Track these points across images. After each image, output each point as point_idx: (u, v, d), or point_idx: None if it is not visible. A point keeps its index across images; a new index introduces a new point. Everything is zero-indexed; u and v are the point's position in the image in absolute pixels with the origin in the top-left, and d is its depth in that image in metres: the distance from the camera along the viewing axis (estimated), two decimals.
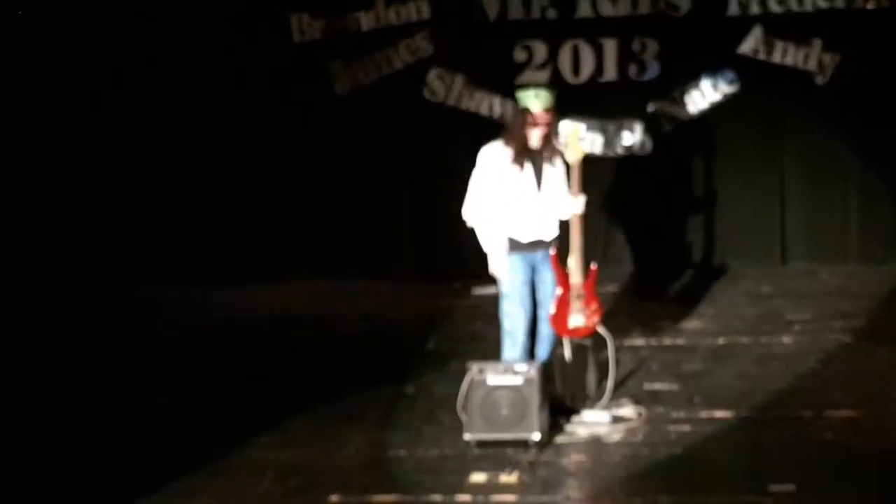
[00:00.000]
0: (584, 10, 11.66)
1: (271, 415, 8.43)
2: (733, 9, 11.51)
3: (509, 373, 7.76)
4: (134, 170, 12.36)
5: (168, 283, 12.08)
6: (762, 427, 8.08)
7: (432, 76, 11.94)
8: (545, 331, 8.04)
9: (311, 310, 11.52)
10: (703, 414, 8.36)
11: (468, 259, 9.89)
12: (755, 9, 11.50)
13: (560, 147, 7.89)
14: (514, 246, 7.78)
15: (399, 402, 8.69)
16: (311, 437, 8.16)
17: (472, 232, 8.29)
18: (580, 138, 7.94)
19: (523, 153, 7.62)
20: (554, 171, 7.67)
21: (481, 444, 7.68)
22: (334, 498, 7.10)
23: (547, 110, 7.68)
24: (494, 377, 7.73)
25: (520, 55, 11.77)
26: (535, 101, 7.71)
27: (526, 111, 7.68)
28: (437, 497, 7.12)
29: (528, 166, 7.68)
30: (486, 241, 7.92)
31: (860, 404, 8.32)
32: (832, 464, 7.43)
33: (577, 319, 7.89)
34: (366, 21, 11.98)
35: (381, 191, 12.11)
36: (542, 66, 11.76)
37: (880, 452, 7.55)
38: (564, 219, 7.85)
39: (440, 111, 11.97)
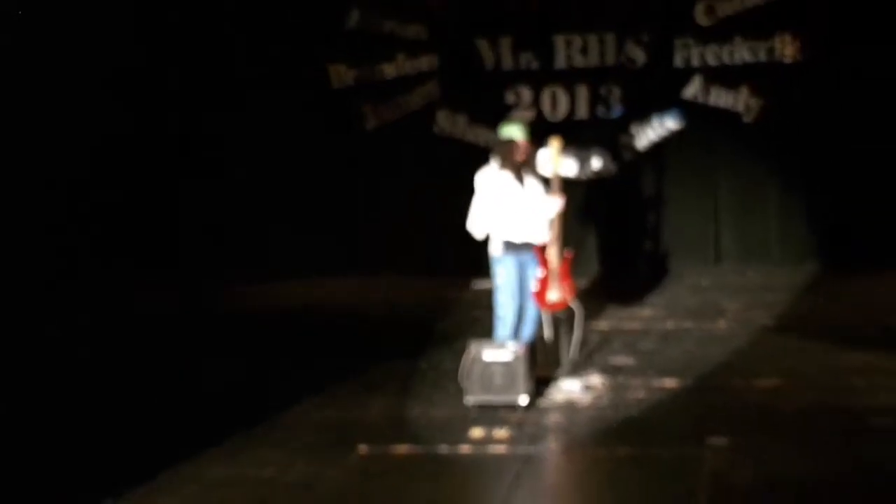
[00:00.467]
0: (560, 62, 11.57)
1: (312, 384, 8.42)
2: (678, 62, 11.39)
3: (502, 350, 7.79)
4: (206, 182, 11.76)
5: (220, 278, 11.71)
6: (702, 393, 8.14)
7: (441, 115, 11.89)
8: (531, 314, 7.98)
9: (343, 300, 11.47)
10: (655, 383, 8.35)
11: (470, 259, 9.82)
12: (695, 62, 11.37)
13: (536, 166, 7.91)
14: (508, 247, 7.69)
15: (414, 373, 8.74)
16: (344, 401, 8.16)
17: (471, 239, 8.33)
18: (560, 152, 7.81)
19: (517, 172, 7.62)
20: (534, 184, 7.66)
21: (479, 406, 7.71)
22: (363, 448, 7.11)
23: (526, 140, 7.74)
24: (490, 353, 7.79)
25: (510, 98, 11.68)
26: (519, 133, 7.77)
27: (512, 141, 7.72)
28: (444, 447, 7.16)
29: (517, 182, 7.62)
30: (492, 244, 8.01)
31: (780, 375, 8.28)
32: (758, 422, 7.50)
33: (554, 295, 7.85)
34: (388, 71, 11.87)
35: (400, 205, 11.88)
36: (528, 107, 11.31)
37: (796, 413, 7.58)
38: (550, 217, 7.93)
39: (447, 142, 11.96)
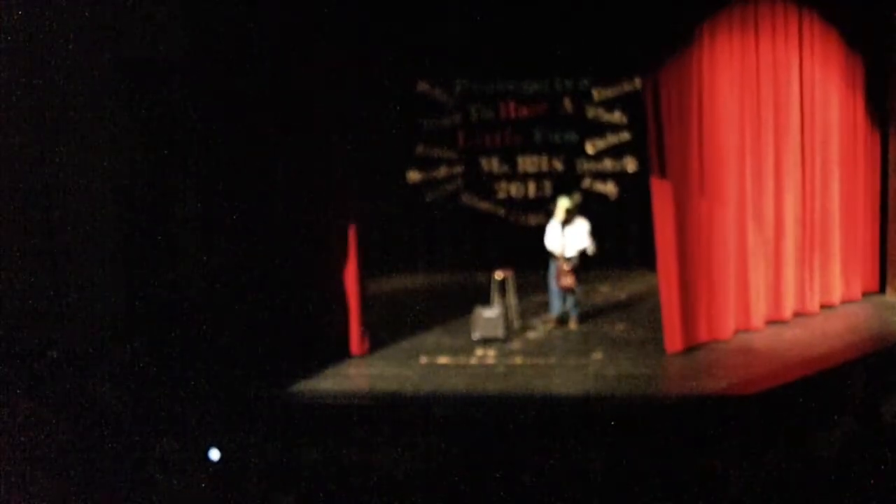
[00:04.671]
0: (520, 169, 11.89)
1: (399, 329, 8.54)
2: (579, 170, 11.90)
3: (491, 310, 8.01)
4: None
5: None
6: (588, 332, 8.29)
7: (463, 195, 12.31)
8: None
9: (420, 284, 11.27)
10: (567, 328, 8.38)
11: (490, 261, 9.78)
12: (587, 169, 11.78)
13: (576, 220, 8.56)
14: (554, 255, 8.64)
15: (449, 323, 8.79)
16: (413, 336, 8.22)
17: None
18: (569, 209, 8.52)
19: (565, 222, 8.46)
20: (574, 230, 8.53)
21: (480, 339, 7.96)
22: (423, 359, 7.41)
23: (570, 209, 8.51)
24: (485, 311, 8.06)
25: (495, 187, 12.05)
26: (566, 204, 8.44)
27: (564, 207, 8.43)
28: (463, 359, 7.44)
29: (564, 227, 8.51)
30: (556, 251, 8.41)
31: (627, 323, 8.61)
32: (617, 345, 7.80)
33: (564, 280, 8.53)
34: (438, 174, 12.04)
35: (447, 232, 12.01)
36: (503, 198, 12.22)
37: (639, 341, 7.88)
38: (583, 246, 8.49)
39: (465, 207, 12.06)
